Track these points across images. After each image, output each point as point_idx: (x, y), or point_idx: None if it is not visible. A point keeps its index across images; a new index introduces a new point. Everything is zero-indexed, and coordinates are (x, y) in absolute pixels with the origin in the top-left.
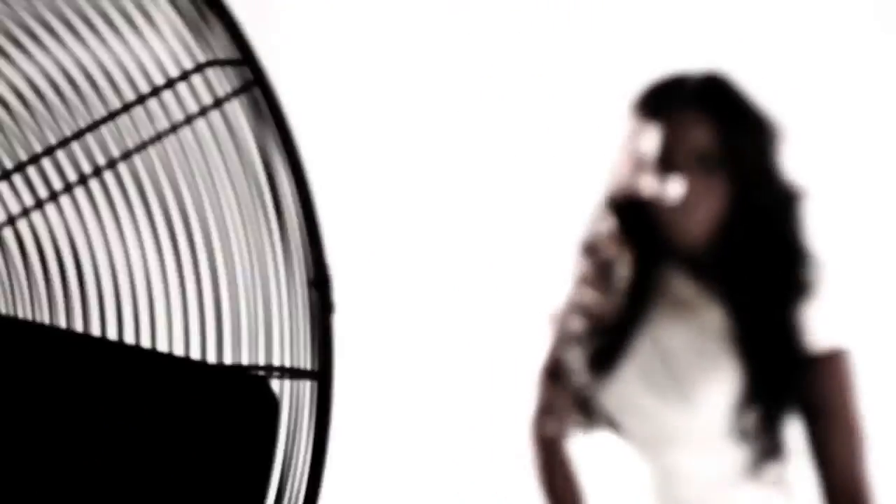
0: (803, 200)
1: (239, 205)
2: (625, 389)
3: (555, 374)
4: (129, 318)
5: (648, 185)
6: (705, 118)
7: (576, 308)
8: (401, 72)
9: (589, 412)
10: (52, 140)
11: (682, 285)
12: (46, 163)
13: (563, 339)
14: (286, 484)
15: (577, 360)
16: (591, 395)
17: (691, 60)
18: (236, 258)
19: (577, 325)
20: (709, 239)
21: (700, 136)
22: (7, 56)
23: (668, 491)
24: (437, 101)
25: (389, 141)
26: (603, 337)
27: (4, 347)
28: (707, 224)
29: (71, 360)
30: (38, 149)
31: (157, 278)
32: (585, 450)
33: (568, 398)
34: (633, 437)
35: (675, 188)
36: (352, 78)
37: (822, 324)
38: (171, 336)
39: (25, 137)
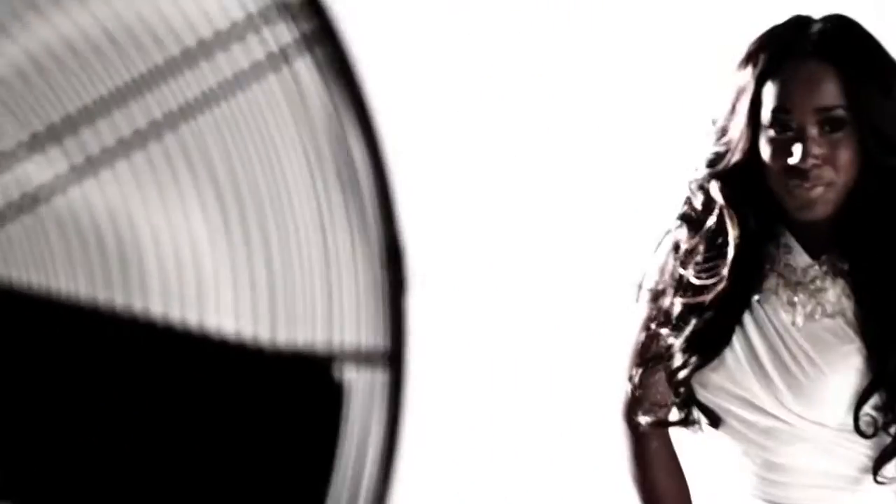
0: None
1: (303, 168)
2: (729, 376)
3: (648, 357)
4: (176, 292)
5: (763, 147)
6: (830, 70)
7: (673, 283)
8: (490, 35)
9: (686, 400)
10: (89, 100)
11: (797, 260)
12: (84, 128)
13: (658, 318)
14: (354, 475)
15: (674, 341)
16: (689, 382)
17: (701, 57)
18: (297, 228)
19: (675, 302)
20: (833, 208)
21: (824, 90)
22: None
23: (773, 491)
24: (525, 65)
25: (473, 106)
26: (704, 316)
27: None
28: (831, 191)
29: (113, 341)
30: (79, 105)
31: (206, 249)
32: (680, 442)
33: (663, 384)
34: (736, 430)
35: (794, 151)
36: (434, 32)
37: None
38: (219, 311)
39: (66, 94)
